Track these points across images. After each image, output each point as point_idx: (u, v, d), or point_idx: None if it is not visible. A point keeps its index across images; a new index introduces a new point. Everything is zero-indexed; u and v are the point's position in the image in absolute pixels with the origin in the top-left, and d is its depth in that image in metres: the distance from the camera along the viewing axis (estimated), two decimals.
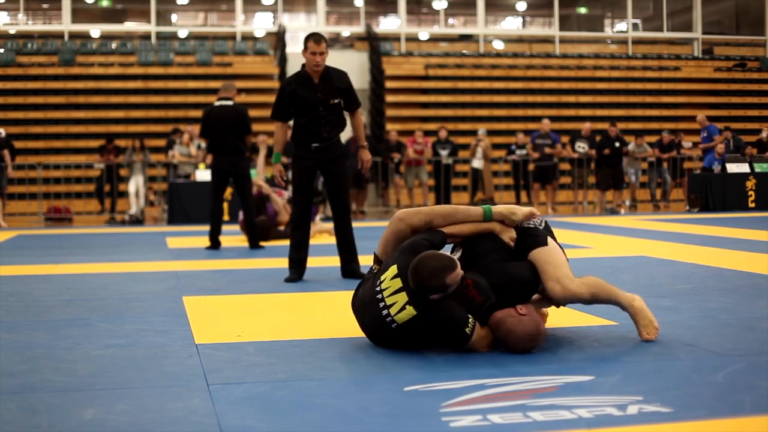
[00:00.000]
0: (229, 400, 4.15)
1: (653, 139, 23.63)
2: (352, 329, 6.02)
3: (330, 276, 9.02)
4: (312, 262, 10.50)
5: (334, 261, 10.35)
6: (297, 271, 8.76)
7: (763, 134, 23.85)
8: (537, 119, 23.77)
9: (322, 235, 14.03)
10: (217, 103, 12.22)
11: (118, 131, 23.99)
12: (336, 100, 8.61)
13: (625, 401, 4.01)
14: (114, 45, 27.26)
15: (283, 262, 10.41)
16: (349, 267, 8.83)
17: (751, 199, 20.81)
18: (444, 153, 21.83)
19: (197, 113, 15.86)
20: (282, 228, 13.71)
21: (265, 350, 5.32)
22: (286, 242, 13.07)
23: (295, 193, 8.78)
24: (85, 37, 28.39)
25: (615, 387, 4.27)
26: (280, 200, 13.74)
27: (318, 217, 14.34)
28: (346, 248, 8.86)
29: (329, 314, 6.72)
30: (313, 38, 8.53)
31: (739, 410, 3.87)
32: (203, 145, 18.93)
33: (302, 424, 3.77)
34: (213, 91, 22.98)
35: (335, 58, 27.64)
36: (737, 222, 16.03)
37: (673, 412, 3.84)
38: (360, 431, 3.66)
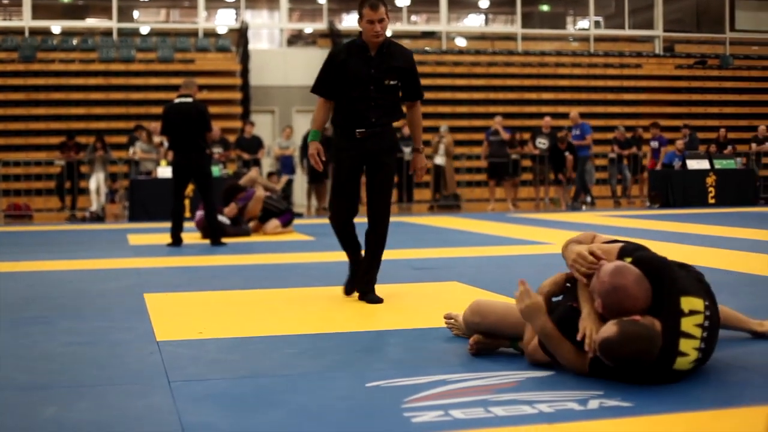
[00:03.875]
0: (191, 397, 4.14)
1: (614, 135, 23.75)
2: (314, 325, 6.03)
3: (292, 272, 9.00)
4: (277, 258, 10.49)
5: (298, 258, 10.33)
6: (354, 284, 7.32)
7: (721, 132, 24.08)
8: (501, 116, 23.81)
9: (278, 234, 13.99)
10: (177, 101, 12.18)
11: (79, 128, 23.79)
12: (392, 82, 7.08)
13: (585, 396, 4.03)
14: (75, 41, 27.03)
15: (244, 259, 10.41)
16: (364, 297, 7.13)
17: (711, 195, 20.99)
18: (407, 150, 21.84)
19: (159, 110, 15.78)
20: (250, 224, 13.73)
21: (226, 347, 5.31)
22: (247, 239, 13.09)
23: (335, 192, 7.26)
24: (46, 33, 28.14)
25: (576, 382, 4.29)
26: (262, 194, 13.74)
27: (275, 223, 14.11)
28: (367, 271, 7.20)
29: (290, 311, 6.71)
30: (368, 3, 6.98)
31: (697, 405, 3.90)
32: (165, 142, 18.84)
33: (264, 420, 3.77)
34: (175, 88, 22.74)
35: (298, 55, 27.75)
36: (698, 218, 16.16)
37: (633, 407, 3.86)
38: (322, 428, 3.67)
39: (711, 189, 21.01)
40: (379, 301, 7.00)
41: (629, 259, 4.43)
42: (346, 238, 7.23)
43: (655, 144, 22.67)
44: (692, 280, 4.43)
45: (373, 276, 7.17)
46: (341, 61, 7.06)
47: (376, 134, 7.08)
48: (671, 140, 23.20)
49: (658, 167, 22.12)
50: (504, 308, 4.96)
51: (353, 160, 7.12)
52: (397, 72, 7.08)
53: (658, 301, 4.24)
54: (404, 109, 7.33)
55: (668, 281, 4.30)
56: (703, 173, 21.07)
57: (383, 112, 7.09)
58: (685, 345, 4.20)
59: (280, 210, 14.17)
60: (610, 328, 4.13)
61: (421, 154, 7.38)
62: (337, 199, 7.21)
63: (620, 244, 4.62)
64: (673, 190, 20.73)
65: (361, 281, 7.18)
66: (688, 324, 4.22)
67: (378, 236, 7.15)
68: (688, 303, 4.26)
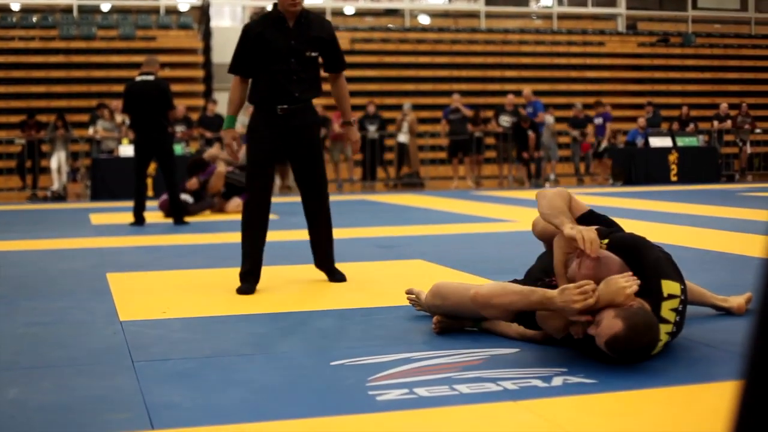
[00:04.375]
0: (155, 377, 4.12)
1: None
2: (277, 304, 6.01)
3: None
4: (240, 237, 10.43)
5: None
6: (252, 280, 6.64)
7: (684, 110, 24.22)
8: (463, 94, 23.83)
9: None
10: (139, 78, 12.10)
11: (40, 106, 23.61)
12: (314, 53, 6.64)
13: (549, 373, 4.05)
14: (35, 18, 26.79)
15: (207, 238, 10.36)
16: (332, 278, 6.99)
17: (673, 172, 21.12)
18: (372, 128, 21.82)
19: (120, 88, 15.68)
20: (213, 199, 13.68)
21: (190, 326, 5.29)
22: (210, 218, 13.04)
23: (251, 174, 6.78)
24: (5, 10, 27.86)
25: (540, 359, 4.31)
26: (223, 170, 13.69)
27: (237, 202, 14.01)
28: (323, 252, 6.99)
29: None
30: None
31: (662, 381, 3.92)
32: (127, 120, 18.74)
33: (228, 400, 3.76)
34: (136, 66, 22.60)
35: None
36: (660, 195, 16.25)
37: (597, 384, 3.88)
38: (286, 406, 3.66)
39: (673, 166, 21.15)
40: (343, 279, 6.94)
41: (606, 241, 4.42)
42: (261, 221, 6.77)
43: (599, 120, 22.68)
44: (668, 261, 4.41)
45: (332, 252, 7.00)
46: (257, 34, 6.60)
47: (299, 110, 6.65)
48: (631, 117, 23.30)
49: (604, 143, 22.23)
50: (463, 290, 4.95)
51: (275, 139, 6.69)
52: (319, 43, 6.69)
53: (641, 282, 4.21)
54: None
55: (650, 264, 4.27)
56: (665, 151, 21.19)
57: (306, 87, 6.66)
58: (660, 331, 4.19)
59: (245, 185, 14.11)
60: (614, 324, 3.99)
61: (353, 127, 7.05)
62: (257, 180, 6.74)
63: (594, 227, 4.59)
64: (636, 168, 20.85)
65: (324, 260, 6.99)
66: (665, 309, 4.21)
67: (324, 212, 6.88)
68: (668, 287, 4.23)
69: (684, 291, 4.31)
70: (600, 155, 22.54)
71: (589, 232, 4.23)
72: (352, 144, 7.05)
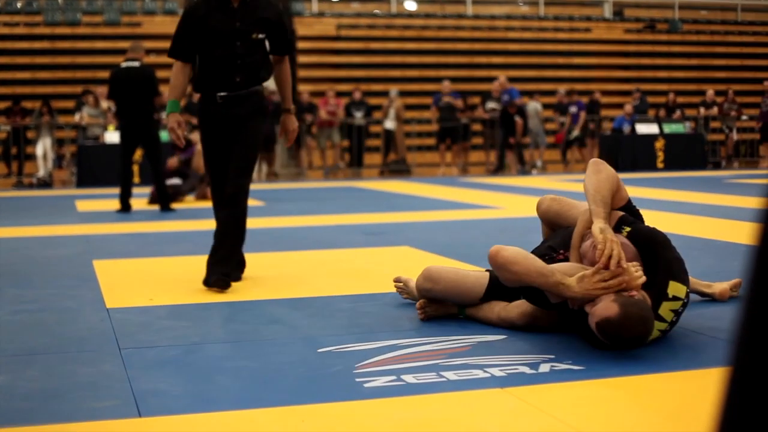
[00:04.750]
0: (142, 364, 4.12)
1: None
2: (264, 291, 6.01)
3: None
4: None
5: (247, 223, 10.28)
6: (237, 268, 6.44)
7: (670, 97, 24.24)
8: (450, 80, 23.81)
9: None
10: (124, 65, 12.06)
11: (25, 93, 23.52)
12: (260, 35, 6.24)
13: (537, 360, 4.05)
14: (19, 4, 26.66)
15: (194, 225, 10.34)
16: (218, 278, 6.00)
17: (659, 159, 21.15)
18: (359, 114, 21.79)
19: (106, 74, 15.54)
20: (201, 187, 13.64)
21: (177, 313, 5.28)
22: (196, 205, 13.01)
23: (207, 166, 6.51)
24: None
25: (527, 346, 4.31)
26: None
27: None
28: (223, 252, 6.19)
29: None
30: None
31: (649, 368, 3.93)
32: (112, 107, 18.67)
33: (215, 387, 3.75)
34: (122, 52, 22.51)
35: None
36: (647, 182, 16.27)
37: (584, 370, 3.88)
38: (274, 393, 3.65)
39: (660, 153, 21.18)
40: (224, 288, 5.99)
41: (628, 229, 4.44)
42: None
43: (573, 109, 22.61)
44: (682, 263, 4.39)
45: (227, 254, 6.19)
46: (201, 16, 6.20)
47: (240, 98, 6.27)
48: (618, 104, 23.29)
49: (575, 132, 22.23)
50: (454, 274, 4.96)
51: (218, 128, 6.30)
52: (265, 24, 6.27)
53: (650, 276, 4.20)
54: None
55: (665, 261, 4.28)
56: (652, 138, 21.22)
57: (250, 74, 6.27)
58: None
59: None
60: (610, 307, 3.99)
61: (291, 116, 6.58)
62: (212, 171, 6.38)
63: (620, 213, 4.60)
64: (623, 155, 20.87)
65: (211, 262, 6.15)
66: (665, 308, 4.20)
67: (233, 209, 6.22)
68: (674, 288, 4.23)
69: (688, 294, 4.32)
70: (571, 143, 22.56)
71: (615, 246, 4.15)
72: (287, 133, 6.54)
